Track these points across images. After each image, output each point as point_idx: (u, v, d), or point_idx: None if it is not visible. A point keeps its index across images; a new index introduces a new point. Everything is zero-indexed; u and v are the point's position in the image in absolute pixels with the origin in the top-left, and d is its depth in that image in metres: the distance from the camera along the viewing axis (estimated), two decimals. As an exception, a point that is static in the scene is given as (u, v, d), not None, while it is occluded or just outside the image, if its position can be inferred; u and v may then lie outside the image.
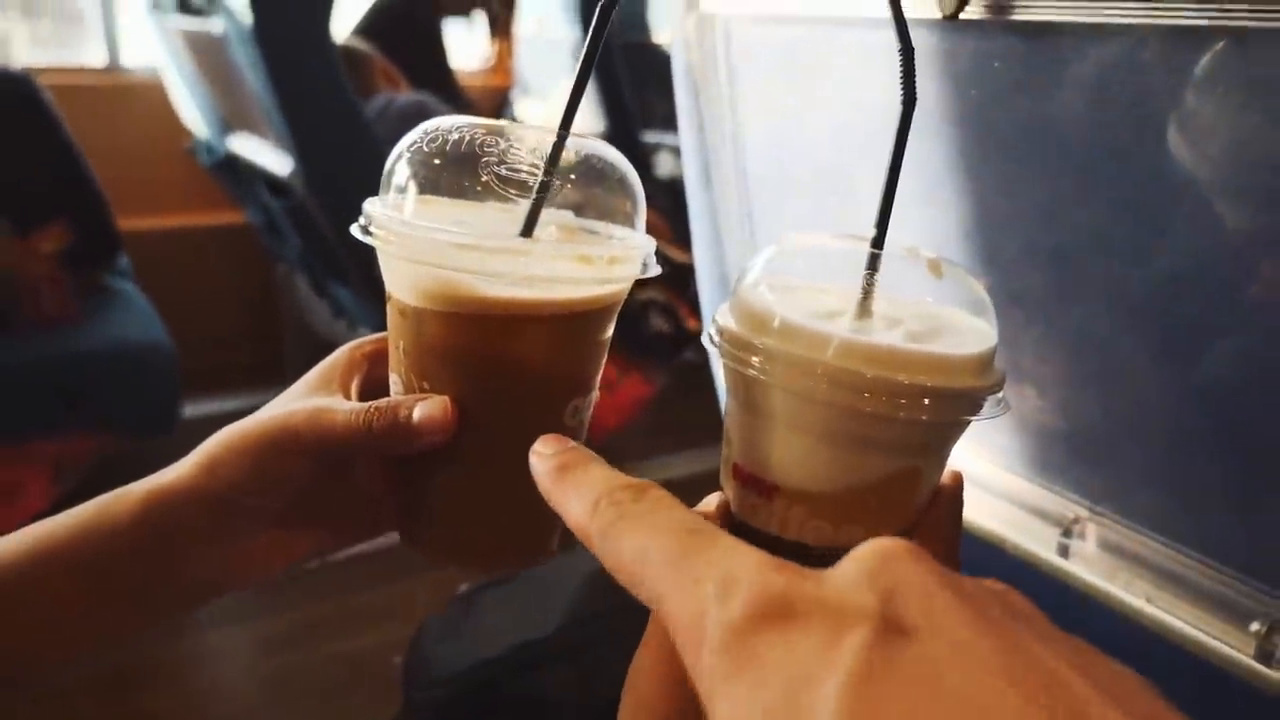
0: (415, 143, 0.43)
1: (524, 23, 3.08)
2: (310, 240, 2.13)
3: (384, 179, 0.44)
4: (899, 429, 0.38)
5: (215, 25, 1.88)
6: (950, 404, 0.37)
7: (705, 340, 0.40)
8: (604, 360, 0.46)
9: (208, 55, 2.08)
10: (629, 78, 2.72)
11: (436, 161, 0.42)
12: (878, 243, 0.41)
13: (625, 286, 0.45)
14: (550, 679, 0.84)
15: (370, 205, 0.42)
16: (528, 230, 0.42)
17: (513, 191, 0.42)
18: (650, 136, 2.80)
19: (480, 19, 3.36)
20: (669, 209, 2.52)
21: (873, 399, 0.36)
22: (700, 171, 0.80)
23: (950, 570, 0.23)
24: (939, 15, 0.52)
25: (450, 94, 2.70)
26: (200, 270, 2.87)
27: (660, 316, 2.26)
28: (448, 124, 0.43)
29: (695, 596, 0.24)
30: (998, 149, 0.56)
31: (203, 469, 0.43)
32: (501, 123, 0.43)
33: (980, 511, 0.65)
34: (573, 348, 0.44)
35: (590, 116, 2.77)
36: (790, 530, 0.40)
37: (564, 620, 0.87)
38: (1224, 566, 0.53)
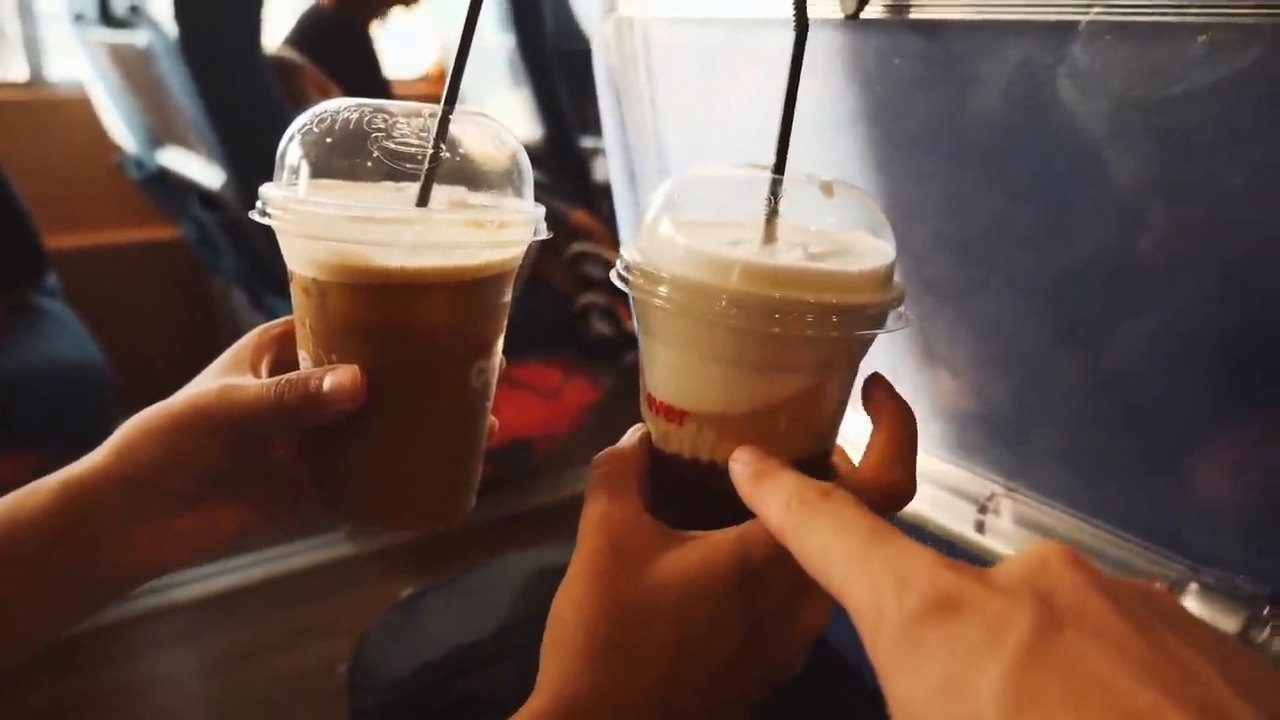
0: (305, 125, 0.44)
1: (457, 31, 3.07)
2: (245, 254, 2.10)
3: (277, 162, 0.45)
4: (802, 348, 0.38)
5: (140, 38, 1.85)
6: (854, 319, 0.38)
7: (614, 276, 0.41)
8: (504, 322, 0.48)
9: (134, 68, 2.05)
10: (566, 84, 2.73)
11: (328, 140, 0.44)
12: (778, 169, 0.42)
13: (519, 251, 0.46)
14: (492, 679, 0.84)
15: (266, 189, 0.43)
16: (422, 202, 0.43)
17: (405, 166, 0.43)
18: (588, 142, 2.81)
19: (418, 27, 3.35)
20: (608, 212, 2.53)
21: (779, 320, 0.37)
22: (624, 171, 0.81)
23: (1106, 574, 0.26)
24: (841, 15, 0.54)
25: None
26: (134, 287, 2.81)
27: (602, 320, 2.27)
28: (335, 105, 0.44)
29: (874, 590, 0.27)
30: (904, 142, 0.58)
31: (116, 454, 0.44)
32: (388, 102, 0.44)
33: (903, 494, 0.67)
34: (472, 312, 0.45)
35: (528, 123, 2.77)
36: (702, 452, 0.41)
37: (504, 621, 0.87)
38: (1128, 535, 0.56)
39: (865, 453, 0.42)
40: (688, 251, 0.39)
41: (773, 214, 0.41)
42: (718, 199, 0.45)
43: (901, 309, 0.40)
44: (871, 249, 0.41)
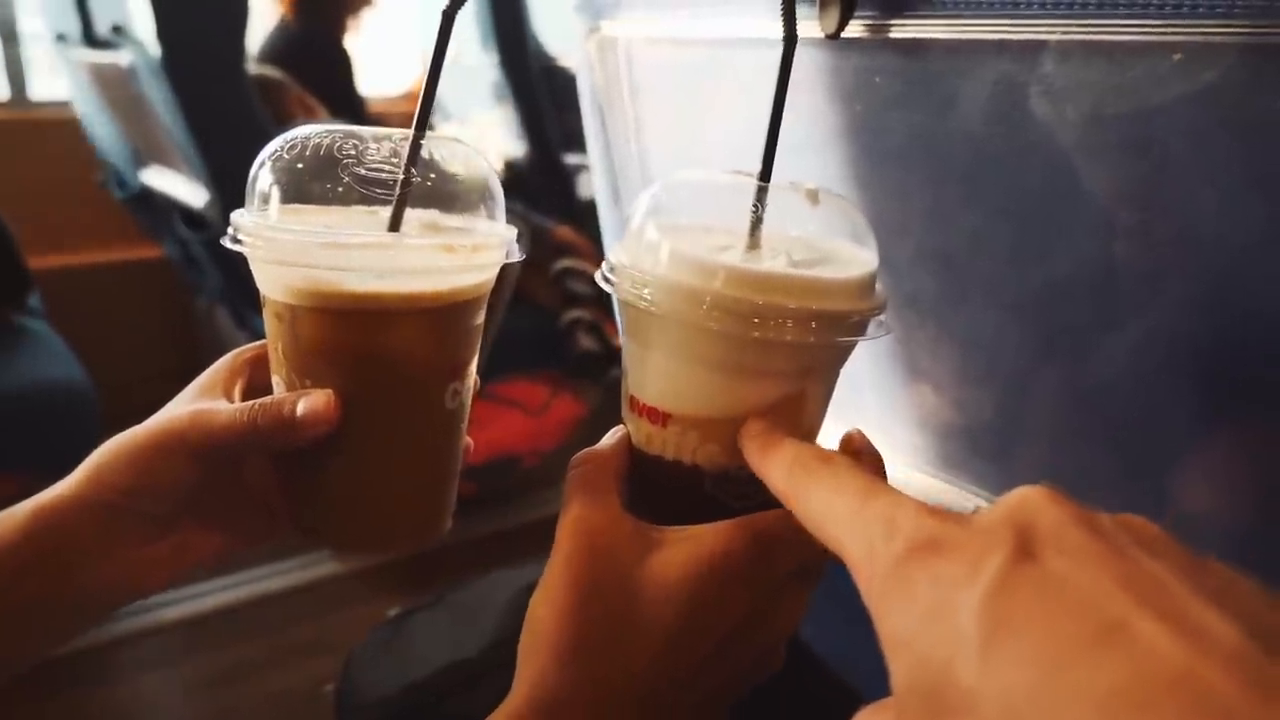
0: (276, 151, 0.44)
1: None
2: (228, 272, 2.10)
3: (249, 188, 0.45)
4: (786, 353, 0.39)
5: (123, 57, 1.85)
6: (835, 326, 0.39)
7: (599, 278, 0.42)
8: (478, 344, 0.48)
9: (117, 88, 2.04)
10: (550, 101, 2.74)
11: (299, 166, 0.44)
12: (764, 176, 0.42)
13: (491, 275, 0.46)
14: (481, 698, 0.84)
15: (237, 215, 0.44)
16: (394, 227, 0.43)
17: (376, 191, 0.43)
18: (573, 158, 2.82)
19: (401, 43, 3.35)
20: (593, 229, 2.53)
21: (761, 324, 0.37)
22: (609, 189, 0.82)
23: (1086, 507, 0.27)
24: (822, 34, 0.54)
25: (363, 119, 2.68)
26: (117, 306, 2.80)
27: (588, 335, 2.27)
28: (306, 131, 0.44)
29: (865, 538, 0.29)
30: (884, 159, 0.59)
31: (89, 479, 0.44)
32: (359, 127, 0.45)
33: (888, 508, 0.68)
34: (445, 336, 0.45)
35: (512, 140, 2.78)
36: (685, 454, 0.42)
37: (492, 639, 0.87)
38: (1110, 547, 0.56)
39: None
40: (672, 255, 0.39)
41: (757, 221, 0.41)
42: (702, 204, 0.45)
43: (883, 317, 0.40)
44: (854, 257, 0.42)
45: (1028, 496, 0.27)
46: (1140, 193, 0.48)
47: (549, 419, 2.28)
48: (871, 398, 0.68)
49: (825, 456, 0.35)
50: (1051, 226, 0.53)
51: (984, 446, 0.64)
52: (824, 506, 0.32)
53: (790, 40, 0.43)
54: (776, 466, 0.36)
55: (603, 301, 2.25)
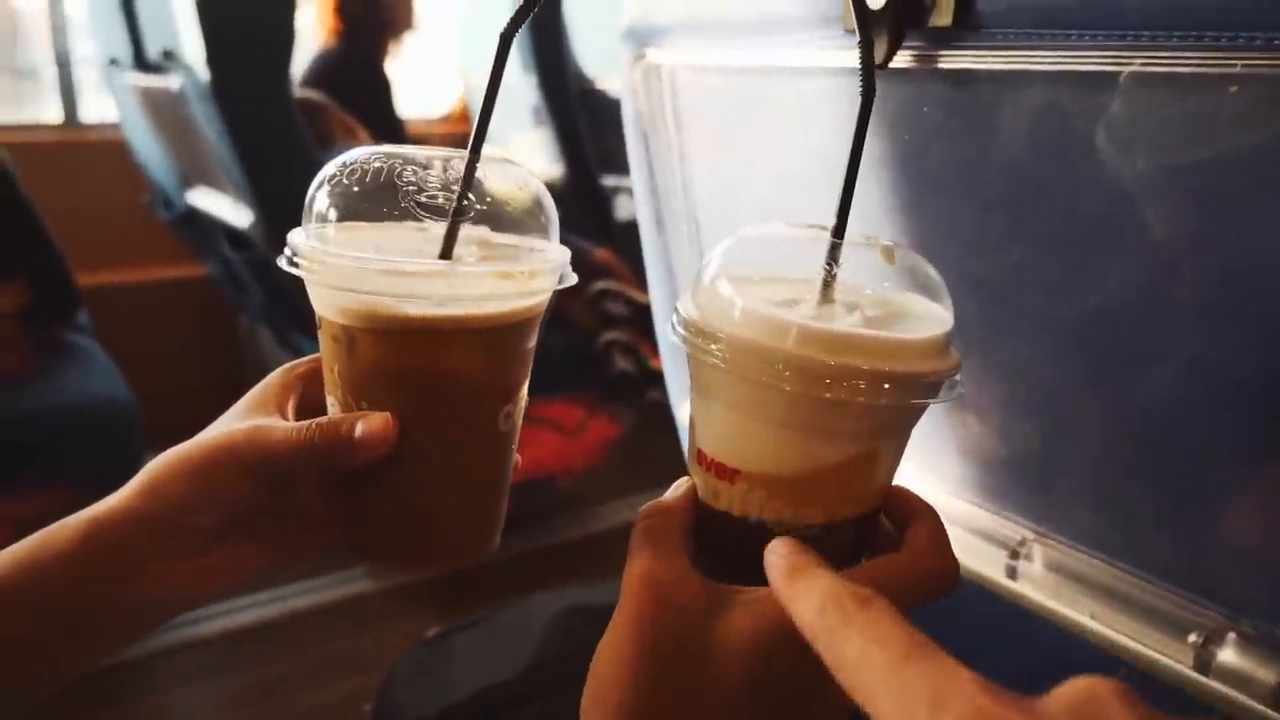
0: (334, 175, 0.45)
1: (480, 71, 3.11)
2: (272, 292, 2.13)
3: (305, 208, 0.45)
4: (857, 413, 0.38)
5: (172, 81, 1.89)
6: (908, 388, 0.38)
7: (668, 331, 0.42)
8: (530, 367, 0.48)
9: (165, 111, 2.09)
10: (587, 123, 2.76)
11: (355, 190, 0.44)
12: (838, 232, 0.42)
13: (545, 298, 0.47)
14: (519, 721, 0.84)
15: (294, 236, 0.44)
16: (446, 252, 0.43)
17: (435, 216, 0.44)
18: (610, 180, 2.83)
19: (440, 66, 3.40)
20: (630, 251, 2.55)
21: (832, 385, 0.37)
22: (653, 215, 0.82)
23: (1158, 714, 0.25)
24: (869, 64, 0.55)
25: (402, 140, 2.71)
26: (162, 324, 2.85)
27: (624, 357, 2.27)
28: (364, 154, 0.45)
29: (907, 702, 0.26)
30: (930, 188, 0.59)
31: (143, 492, 0.44)
32: (415, 150, 0.45)
33: (932, 537, 0.67)
34: (500, 359, 0.46)
35: (549, 161, 2.80)
36: (751, 510, 0.41)
37: (531, 662, 0.87)
38: (1162, 582, 0.55)
39: (913, 536, 0.41)
40: (744, 312, 0.39)
41: (831, 278, 0.41)
42: (776, 257, 0.45)
43: (958, 378, 0.39)
44: (928, 314, 0.41)
45: (1098, 693, 0.25)
46: (1190, 224, 0.48)
47: (585, 439, 2.29)
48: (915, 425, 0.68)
49: (864, 599, 0.31)
50: (1098, 257, 0.52)
51: (1030, 476, 0.63)
52: (859, 656, 0.29)
53: (868, 95, 0.43)
54: (807, 600, 0.33)
55: (639, 323, 2.25)
